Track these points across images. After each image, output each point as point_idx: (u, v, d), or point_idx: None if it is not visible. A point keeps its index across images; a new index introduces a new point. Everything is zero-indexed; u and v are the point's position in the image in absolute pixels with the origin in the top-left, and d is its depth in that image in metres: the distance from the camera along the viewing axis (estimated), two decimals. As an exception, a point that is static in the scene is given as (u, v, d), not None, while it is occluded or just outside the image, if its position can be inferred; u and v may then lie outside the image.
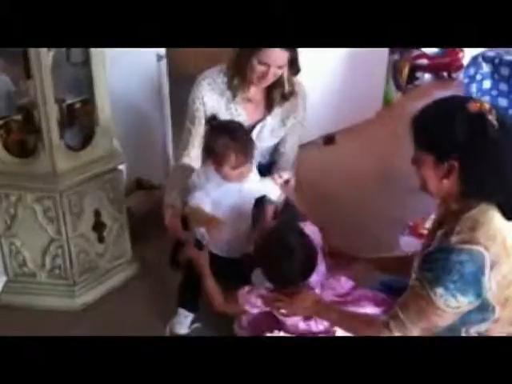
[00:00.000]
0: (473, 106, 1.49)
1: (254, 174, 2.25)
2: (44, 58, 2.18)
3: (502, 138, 1.48)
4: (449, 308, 1.51)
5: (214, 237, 2.06)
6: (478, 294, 1.49)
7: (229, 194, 2.11)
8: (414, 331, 1.59)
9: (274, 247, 1.89)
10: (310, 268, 1.91)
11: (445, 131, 1.50)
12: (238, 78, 2.23)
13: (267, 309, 1.96)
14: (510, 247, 1.52)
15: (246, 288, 1.99)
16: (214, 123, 2.10)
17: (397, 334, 1.61)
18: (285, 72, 2.21)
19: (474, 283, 1.47)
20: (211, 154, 2.08)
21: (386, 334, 1.63)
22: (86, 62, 2.38)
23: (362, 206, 3.38)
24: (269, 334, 1.99)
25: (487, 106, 1.49)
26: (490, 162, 1.49)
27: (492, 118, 1.47)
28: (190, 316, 2.46)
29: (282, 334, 1.97)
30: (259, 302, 1.95)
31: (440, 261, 1.51)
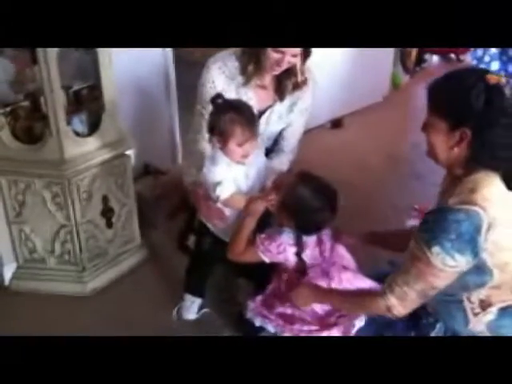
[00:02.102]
0: (492, 78, 1.52)
1: (261, 157, 2.25)
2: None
3: None
4: (446, 267, 1.52)
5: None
6: (475, 254, 1.50)
7: (237, 177, 2.11)
8: (411, 295, 1.60)
9: (301, 195, 1.91)
10: (335, 208, 1.94)
11: (462, 99, 1.52)
12: (253, 65, 2.20)
13: (279, 258, 1.98)
14: (510, 212, 1.55)
15: (263, 235, 2.00)
16: (218, 102, 2.09)
17: (394, 301, 1.63)
18: (298, 61, 2.20)
19: (471, 242, 1.49)
20: (216, 131, 2.07)
21: (384, 305, 1.66)
22: (92, 49, 2.38)
23: (368, 189, 3.38)
24: (280, 310, 2.01)
25: (504, 79, 1.53)
26: (502, 133, 1.51)
27: (508, 91, 1.51)
28: (197, 301, 2.48)
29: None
30: (274, 249, 1.96)
31: (437, 221, 1.53)
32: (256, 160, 2.16)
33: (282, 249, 1.97)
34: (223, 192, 2.05)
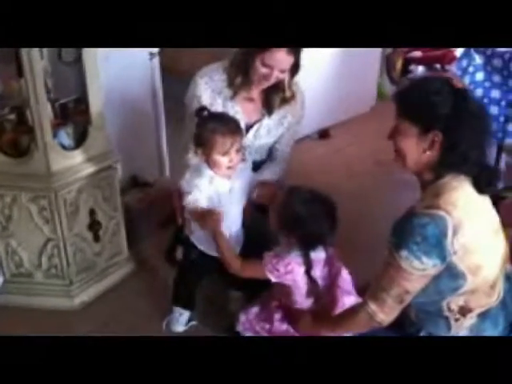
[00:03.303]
0: (457, 82, 1.61)
1: (247, 171, 2.25)
2: (36, 57, 2.18)
3: (481, 114, 1.60)
4: (414, 270, 1.56)
5: (213, 228, 2.06)
6: (443, 257, 1.54)
7: (220, 192, 2.10)
8: (389, 301, 1.63)
9: (294, 208, 1.93)
10: (334, 217, 1.96)
11: (432, 103, 1.58)
12: (241, 78, 2.22)
13: (286, 279, 1.97)
14: (477, 215, 1.60)
15: (271, 253, 2.00)
16: (203, 114, 2.10)
17: (375, 308, 1.66)
18: (286, 77, 2.21)
19: (437, 245, 1.53)
20: (200, 142, 2.08)
21: (366, 314, 1.68)
22: (78, 61, 2.38)
23: (358, 199, 3.39)
24: (271, 326, 2.00)
25: (467, 86, 1.60)
26: (471, 135, 1.57)
27: (471, 94, 1.62)
28: (186, 314, 2.46)
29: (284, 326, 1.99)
30: (282, 268, 1.95)
31: (404, 226, 1.58)
32: (241, 174, 2.16)
33: (290, 268, 1.95)
34: (191, 201, 2.05)
